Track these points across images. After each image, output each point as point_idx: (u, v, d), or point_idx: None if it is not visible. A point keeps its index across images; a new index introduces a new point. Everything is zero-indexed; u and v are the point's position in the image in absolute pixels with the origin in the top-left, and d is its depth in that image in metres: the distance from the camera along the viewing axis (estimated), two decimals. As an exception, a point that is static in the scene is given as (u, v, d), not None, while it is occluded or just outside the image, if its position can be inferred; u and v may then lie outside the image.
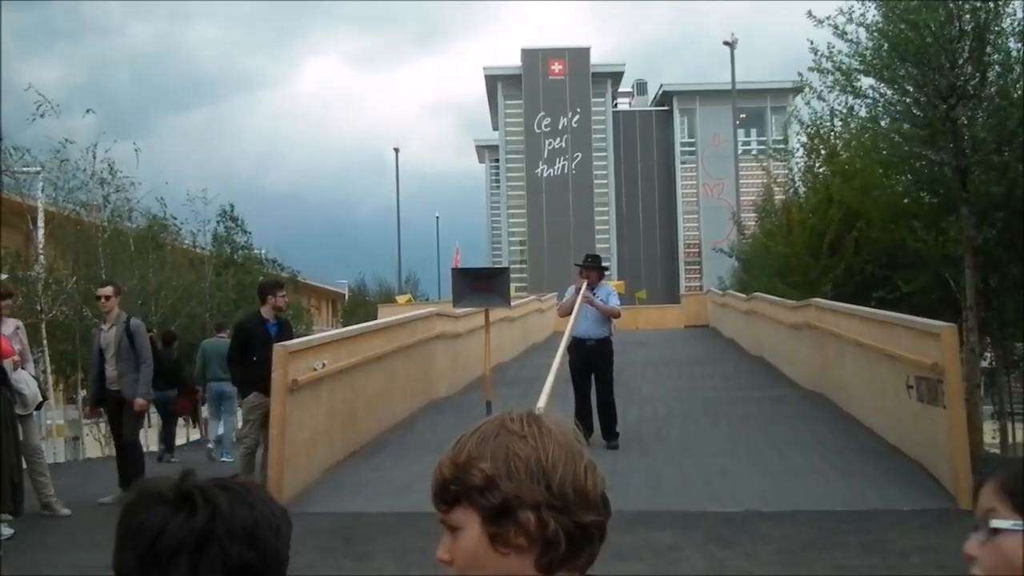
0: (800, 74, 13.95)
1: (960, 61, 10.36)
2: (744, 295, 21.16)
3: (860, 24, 10.98)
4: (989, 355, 14.95)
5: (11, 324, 8.20)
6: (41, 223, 17.74)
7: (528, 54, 54.80)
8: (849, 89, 11.56)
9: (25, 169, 17.26)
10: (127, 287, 17.63)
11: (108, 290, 9.22)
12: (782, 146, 19.93)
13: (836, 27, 11.20)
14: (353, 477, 9.14)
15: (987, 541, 1.28)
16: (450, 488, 1.31)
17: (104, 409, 9.31)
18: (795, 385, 14.55)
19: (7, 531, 7.10)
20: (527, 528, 1.24)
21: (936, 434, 8.11)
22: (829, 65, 11.48)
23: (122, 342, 8.83)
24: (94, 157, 17.48)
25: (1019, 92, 10.41)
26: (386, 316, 17.15)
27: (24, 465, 7.82)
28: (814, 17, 11.43)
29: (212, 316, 20.20)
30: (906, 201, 13.47)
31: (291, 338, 9.10)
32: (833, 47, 11.38)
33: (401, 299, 32.67)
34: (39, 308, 16.16)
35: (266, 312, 9.18)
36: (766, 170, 21.20)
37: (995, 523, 1.27)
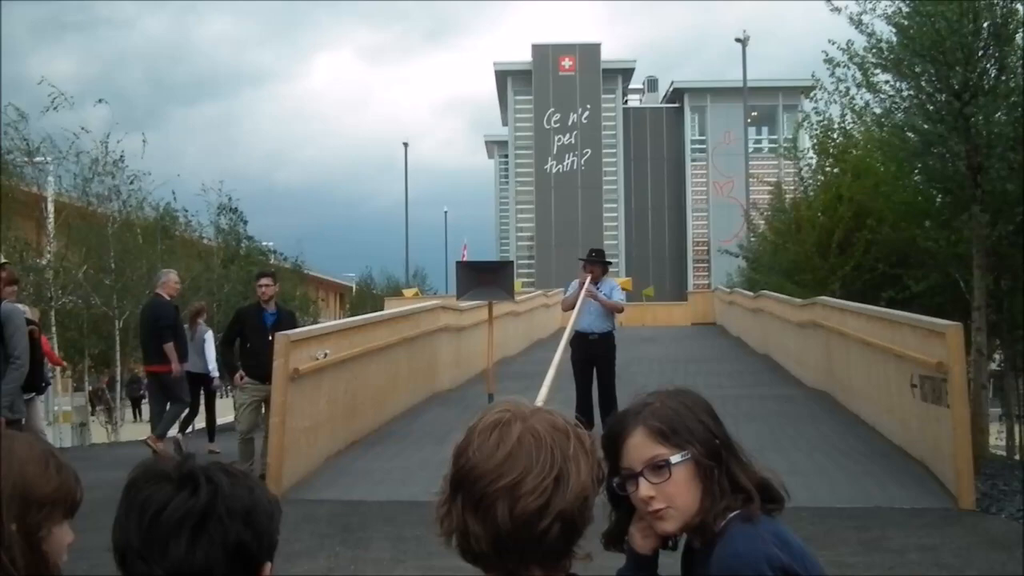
0: (813, 73, 13.84)
1: (976, 57, 10.27)
2: (751, 293, 21.11)
3: (878, 15, 10.87)
4: (998, 357, 14.85)
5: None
6: (51, 213, 17.81)
7: (539, 49, 54.69)
8: (864, 84, 11.46)
9: (40, 159, 17.35)
10: (135, 277, 17.73)
11: None
12: (792, 145, 19.79)
13: (852, 18, 11.08)
14: (353, 466, 9.14)
15: (664, 480, 1.64)
16: None
17: None
18: (800, 384, 14.50)
19: None
20: None
21: (939, 434, 8.07)
22: (845, 58, 11.37)
23: None
24: (106, 150, 17.56)
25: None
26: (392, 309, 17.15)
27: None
28: (832, 4, 11.31)
29: (219, 307, 20.24)
30: (919, 199, 13.37)
31: (291, 328, 8.99)
32: (852, 42, 11.30)
33: (408, 293, 32.67)
34: (48, 296, 16.22)
35: (265, 303, 9.18)
36: (765, 181, 21.16)
37: (675, 459, 1.65)
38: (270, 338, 8.73)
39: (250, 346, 9.05)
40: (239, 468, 1.35)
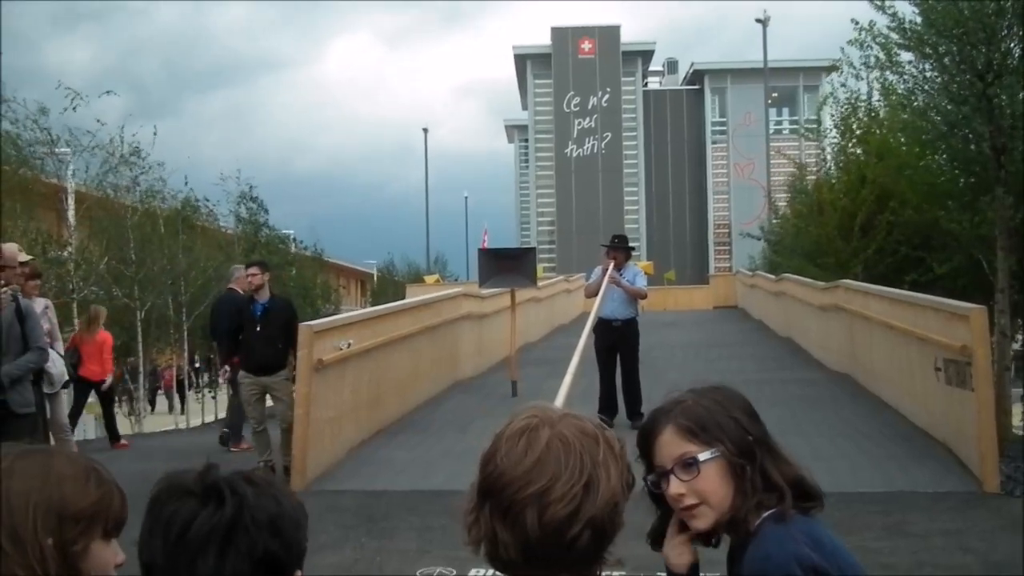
0: (842, 49, 13.62)
1: (1000, 36, 10.12)
2: (774, 276, 21.02)
3: None
4: (1021, 337, 14.72)
5: (40, 303, 8.32)
6: (72, 204, 17.92)
7: (558, 32, 54.48)
8: (888, 64, 11.35)
9: (62, 150, 17.46)
10: (156, 268, 17.86)
11: None
12: (814, 126, 19.60)
13: (874, 2, 10.95)
14: (377, 456, 9.20)
15: (693, 477, 1.64)
16: None
17: None
18: (823, 367, 14.44)
19: None
20: None
21: (963, 417, 8.03)
22: (869, 38, 11.25)
23: (12, 329, 5.87)
24: (121, 140, 17.68)
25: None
26: (414, 296, 17.17)
27: (52, 442, 7.96)
28: None
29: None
30: (942, 180, 13.24)
31: (282, 320, 8.69)
32: (874, 23, 11.17)
33: (429, 279, 32.74)
34: (71, 288, 16.37)
35: (255, 293, 8.93)
36: (790, 158, 20.96)
37: (703, 456, 1.64)
38: (258, 328, 8.68)
39: (243, 338, 8.87)
40: (262, 476, 1.34)
